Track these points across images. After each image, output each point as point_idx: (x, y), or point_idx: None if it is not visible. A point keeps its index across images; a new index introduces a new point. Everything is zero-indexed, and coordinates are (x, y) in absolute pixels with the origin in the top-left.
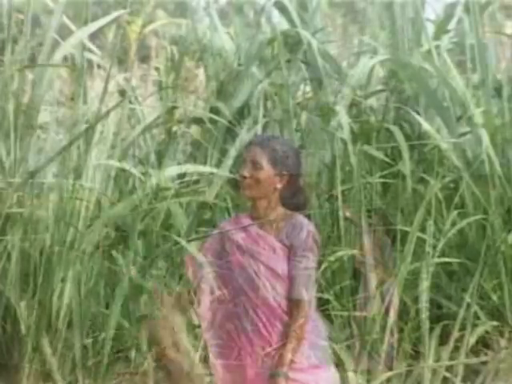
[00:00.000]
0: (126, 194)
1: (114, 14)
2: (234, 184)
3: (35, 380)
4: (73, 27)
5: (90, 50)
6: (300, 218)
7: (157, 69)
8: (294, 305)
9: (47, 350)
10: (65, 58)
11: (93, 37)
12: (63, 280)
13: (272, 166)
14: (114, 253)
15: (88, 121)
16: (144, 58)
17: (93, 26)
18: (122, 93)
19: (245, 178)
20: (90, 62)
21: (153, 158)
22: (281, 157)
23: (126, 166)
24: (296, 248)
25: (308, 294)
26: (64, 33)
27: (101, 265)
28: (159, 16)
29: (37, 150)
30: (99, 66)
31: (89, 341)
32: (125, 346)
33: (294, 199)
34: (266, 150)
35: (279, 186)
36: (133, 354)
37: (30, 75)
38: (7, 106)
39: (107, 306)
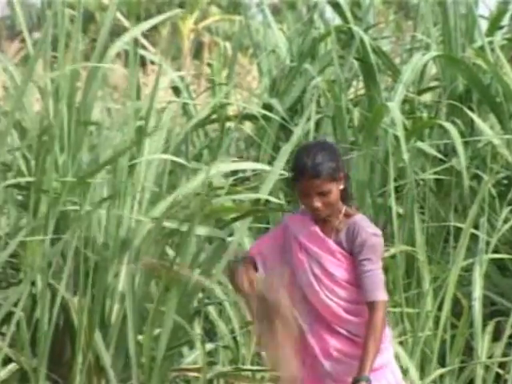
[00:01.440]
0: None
1: (169, 14)
2: (287, 181)
3: (88, 376)
4: (127, 24)
5: (144, 47)
6: (358, 219)
7: (210, 65)
8: (370, 308)
9: (101, 346)
10: (119, 55)
11: (147, 34)
12: (116, 276)
13: (334, 181)
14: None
15: (141, 117)
16: (197, 54)
17: (147, 23)
18: (175, 89)
19: (318, 209)
20: (143, 58)
21: (206, 154)
22: (335, 168)
23: (180, 159)
24: (357, 253)
25: (379, 295)
26: (118, 30)
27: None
28: (213, 12)
29: (90, 147)
30: (153, 63)
31: (142, 337)
32: (179, 343)
33: (346, 192)
34: (324, 176)
35: (342, 187)
36: (186, 350)
37: (83, 72)
38: (60, 104)
39: (161, 303)
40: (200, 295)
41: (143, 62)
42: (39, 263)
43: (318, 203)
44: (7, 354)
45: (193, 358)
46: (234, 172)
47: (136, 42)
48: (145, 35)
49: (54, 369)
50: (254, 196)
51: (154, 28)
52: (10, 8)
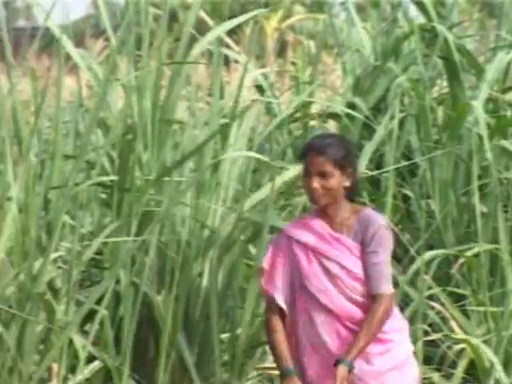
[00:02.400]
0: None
1: (253, 13)
2: (371, 180)
3: (172, 375)
4: (211, 22)
5: (228, 46)
6: (368, 212)
7: (294, 63)
8: (375, 300)
9: (184, 344)
10: (202, 54)
11: (230, 32)
12: (200, 275)
13: (339, 169)
14: (250, 247)
15: (225, 116)
16: (281, 53)
17: (231, 22)
18: (259, 88)
19: (315, 189)
20: (227, 57)
21: (290, 152)
22: (343, 156)
23: (264, 157)
24: (366, 245)
25: (385, 288)
26: (202, 28)
27: (237, 259)
28: (297, 11)
29: (173, 145)
30: (236, 61)
31: (225, 335)
32: (261, 341)
33: (355, 191)
34: (328, 156)
35: (348, 184)
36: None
37: (167, 71)
38: (145, 102)
39: (243, 301)
40: None
41: (227, 61)
42: (123, 261)
43: (316, 184)
44: (91, 352)
45: None
46: None
47: (220, 40)
48: (229, 34)
49: (137, 367)
50: None
51: (238, 27)
52: (94, 7)
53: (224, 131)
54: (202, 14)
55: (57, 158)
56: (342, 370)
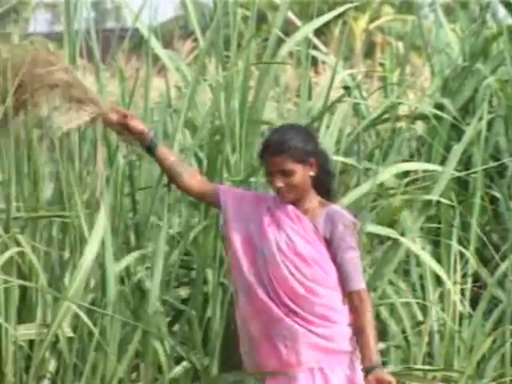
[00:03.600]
0: (351, 190)
1: (340, 10)
2: (459, 181)
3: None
4: (298, 23)
5: (316, 46)
6: (335, 208)
7: (382, 65)
8: (355, 297)
9: None
10: (290, 54)
11: (318, 33)
12: None
13: (300, 163)
14: None
15: (313, 117)
16: (369, 54)
17: (318, 22)
18: (347, 89)
19: (280, 188)
20: (315, 58)
21: (377, 154)
22: (302, 149)
23: (351, 160)
24: (338, 240)
25: (363, 283)
26: (289, 29)
27: None
28: (385, 12)
29: None
30: (324, 62)
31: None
32: None
33: (327, 185)
34: (286, 154)
35: (312, 173)
36: None
37: (255, 71)
38: (232, 103)
39: None
40: (371, 295)
41: (315, 62)
42: (211, 262)
43: (280, 183)
44: (179, 353)
45: None
46: (406, 172)
47: (308, 41)
48: (317, 35)
49: (225, 368)
50: (425, 197)
51: (327, 28)
52: (183, 8)
53: None
54: (290, 15)
55: (145, 159)
56: (381, 374)
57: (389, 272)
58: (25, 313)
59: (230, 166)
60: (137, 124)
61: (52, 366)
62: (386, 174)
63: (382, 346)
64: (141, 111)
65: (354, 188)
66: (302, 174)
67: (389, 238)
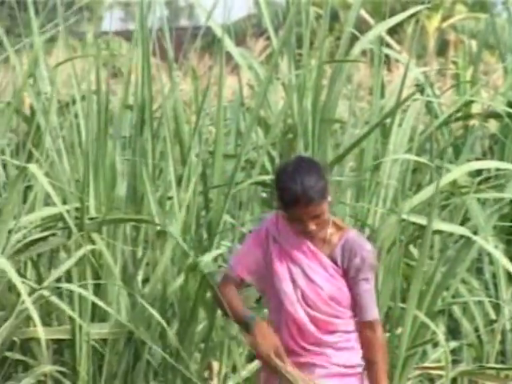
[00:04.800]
0: (423, 188)
1: (413, 9)
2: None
3: None
4: (371, 21)
5: (388, 45)
6: (353, 236)
7: (454, 63)
8: (367, 327)
9: None
10: (363, 53)
11: (391, 31)
12: None
13: (324, 200)
14: (410, 247)
15: (385, 115)
16: (442, 52)
17: (391, 21)
18: (420, 87)
19: (313, 231)
20: (388, 56)
21: (450, 152)
22: (323, 186)
23: (423, 159)
24: (356, 271)
25: (376, 313)
26: (362, 27)
27: (398, 259)
28: (458, 10)
29: (334, 145)
30: (397, 60)
31: (385, 335)
32: (422, 341)
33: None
34: (316, 199)
35: (330, 198)
36: (429, 348)
37: (328, 70)
38: (305, 101)
39: (404, 300)
40: (444, 294)
41: (387, 60)
42: None
43: (312, 226)
44: (251, 351)
45: (436, 356)
46: (478, 170)
47: (381, 39)
48: (390, 34)
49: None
50: (498, 195)
51: (400, 27)
52: (256, 6)
53: (384, 130)
54: (363, 14)
55: (218, 157)
56: None
57: (461, 271)
58: (98, 312)
59: None
60: None
61: (124, 364)
62: (459, 173)
63: (454, 344)
64: (214, 110)
65: (427, 186)
66: (327, 207)
67: (461, 236)
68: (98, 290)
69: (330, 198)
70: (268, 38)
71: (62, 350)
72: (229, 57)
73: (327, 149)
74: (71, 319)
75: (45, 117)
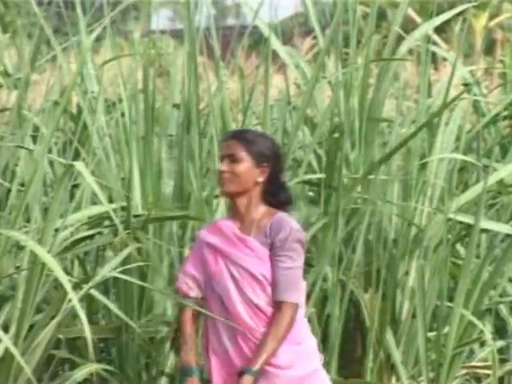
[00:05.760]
0: (470, 187)
1: (460, 8)
2: None
3: (379, 373)
4: (418, 20)
5: (436, 43)
6: (282, 215)
7: (502, 61)
8: (277, 307)
9: (391, 343)
10: (410, 51)
11: (438, 30)
12: (407, 273)
13: (251, 157)
14: (457, 246)
15: (432, 114)
16: (489, 51)
17: (438, 19)
18: (467, 85)
19: (223, 172)
20: (435, 54)
21: (497, 151)
22: (259, 148)
23: (470, 158)
24: (277, 248)
25: (292, 296)
26: (409, 26)
27: (444, 259)
28: (506, 9)
29: (381, 144)
30: (444, 59)
31: (432, 334)
32: (468, 339)
33: (277, 196)
34: (242, 142)
35: (260, 179)
36: (476, 346)
37: (374, 68)
38: (352, 100)
39: (450, 299)
40: (491, 293)
41: (435, 59)
42: (330, 259)
43: (224, 166)
44: None
45: (483, 355)
46: None
47: (428, 38)
48: (437, 32)
49: (345, 366)
50: None
51: (447, 25)
52: (303, 5)
53: (431, 129)
54: (410, 12)
55: None
56: (246, 380)
57: (509, 269)
58: (145, 310)
59: (350, 163)
60: None
61: (171, 362)
62: (506, 171)
63: (501, 343)
64: (260, 108)
65: (474, 185)
66: (249, 169)
67: (508, 235)
68: (144, 289)
69: (261, 178)
70: (315, 37)
71: (109, 348)
72: (276, 55)
73: (374, 148)
74: (118, 317)
75: (92, 115)
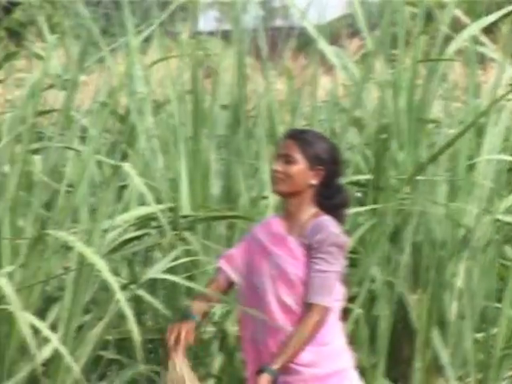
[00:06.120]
0: None
1: (508, 8)
2: None
3: (426, 374)
4: (466, 21)
5: (483, 44)
6: (324, 218)
7: None
8: (306, 308)
9: (438, 344)
10: (458, 52)
11: (486, 30)
12: (454, 274)
13: (306, 159)
14: (505, 247)
15: (480, 115)
16: None
17: (486, 20)
18: None
19: (277, 172)
20: (483, 55)
21: None
22: (316, 151)
23: None
24: (314, 249)
25: (324, 300)
26: (457, 26)
27: (493, 259)
28: None
29: (429, 145)
30: (492, 60)
31: (480, 335)
32: None
33: (332, 199)
34: (298, 143)
35: (314, 182)
36: None
37: (422, 69)
38: (400, 101)
39: (499, 300)
40: None
41: (483, 59)
42: (378, 260)
43: (278, 166)
44: None
45: None
46: None
47: (475, 38)
48: (486, 33)
49: (392, 367)
50: None
51: (495, 26)
52: (350, 6)
53: (479, 130)
54: (458, 13)
55: None
56: (264, 378)
57: None
58: None
59: (397, 164)
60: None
61: (219, 363)
62: None
63: None
64: (308, 109)
65: None
66: (303, 171)
67: None
68: (191, 290)
69: (314, 181)
70: (363, 38)
71: (157, 349)
72: (324, 56)
73: (422, 148)
74: (165, 318)
75: (139, 116)
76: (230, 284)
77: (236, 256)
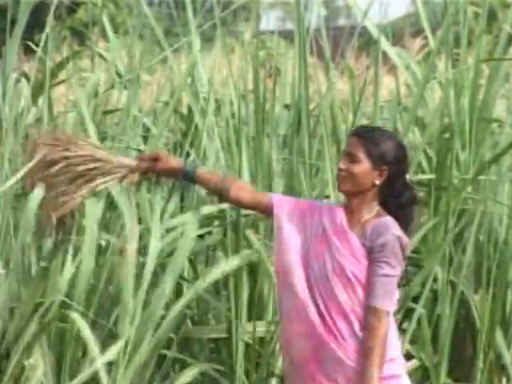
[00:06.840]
0: None
1: None
2: None
3: (489, 374)
4: None
5: None
6: (386, 220)
7: None
8: (369, 312)
9: (501, 343)
10: None
11: None
12: None
13: (370, 159)
14: None
15: None
16: None
17: None
18: None
19: (341, 170)
20: None
21: None
22: (381, 151)
23: None
24: (376, 252)
25: (387, 304)
26: None
27: None
28: None
29: (492, 144)
30: None
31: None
32: None
33: (399, 198)
34: (363, 142)
35: (378, 181)
36: None
37: (485, 68)
38: (462, 100)
39: None
40: None
41: None
42: (441, 260)
43: (342, 164)
44: (409, 350)
45: None
46: None
47: None
48: None
49: (455, 367)
50: None
51: None
52: (413, 5)
53: None
54: None
55: None
56: None
57: None
58: (255, 310)
59: (460, 164)
60: (166, 163)
61: (281, 363)
62: None
63: None
64: (370, 109)
65: None
66: (367, 171)
67: None
68: (255, 288)
69: (377, 181)
70: (425, 37)
71: (219, 348)
72: (386, 56)
73: (484, 148)
74: (228, 317)
75: (202, 116)
76: (262, 208)
77: (289, 211)
